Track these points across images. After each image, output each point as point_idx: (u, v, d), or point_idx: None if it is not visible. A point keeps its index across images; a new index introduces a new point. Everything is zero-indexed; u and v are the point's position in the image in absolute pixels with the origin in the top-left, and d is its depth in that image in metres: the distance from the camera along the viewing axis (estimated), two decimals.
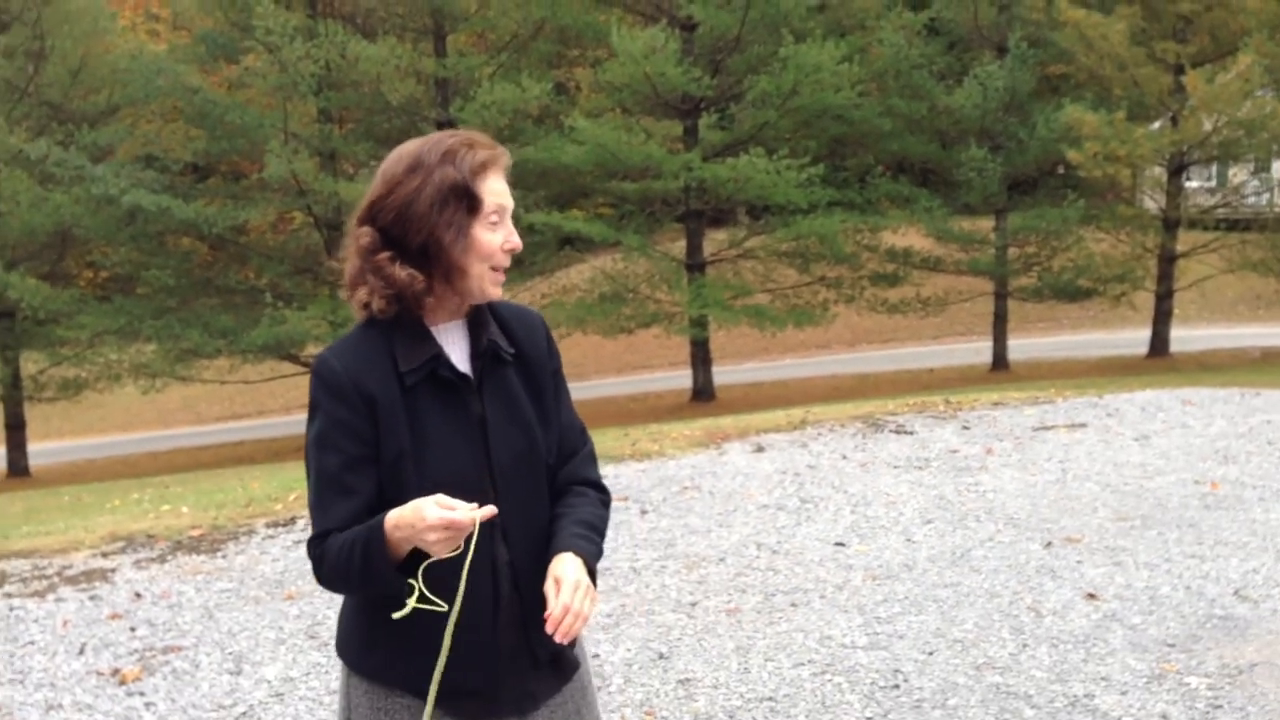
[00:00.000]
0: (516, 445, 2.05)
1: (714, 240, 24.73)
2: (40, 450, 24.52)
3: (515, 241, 2.03)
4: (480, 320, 2.07)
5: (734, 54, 21.65)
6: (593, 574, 2.02)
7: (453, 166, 1.98)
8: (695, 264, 22.44)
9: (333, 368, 1.98)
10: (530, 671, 2.09)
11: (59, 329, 21.71)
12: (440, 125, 21.98)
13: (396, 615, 1.91)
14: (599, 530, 2.13)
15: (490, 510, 1.87)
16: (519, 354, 2.10)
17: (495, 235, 2.01)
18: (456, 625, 1.92)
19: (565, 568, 1.98)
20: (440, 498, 1.85)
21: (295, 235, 27.12)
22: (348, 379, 1.97)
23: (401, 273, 1.97)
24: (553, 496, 2.14)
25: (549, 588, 1.96)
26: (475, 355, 2.06)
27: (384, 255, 1.99)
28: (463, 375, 2.03)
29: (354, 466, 1.97)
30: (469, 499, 1.90)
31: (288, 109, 21.83)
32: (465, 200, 1.98)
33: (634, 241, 21.46)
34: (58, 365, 23.05)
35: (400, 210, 1.99)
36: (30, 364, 23.20)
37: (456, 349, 2.05)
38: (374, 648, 2.06)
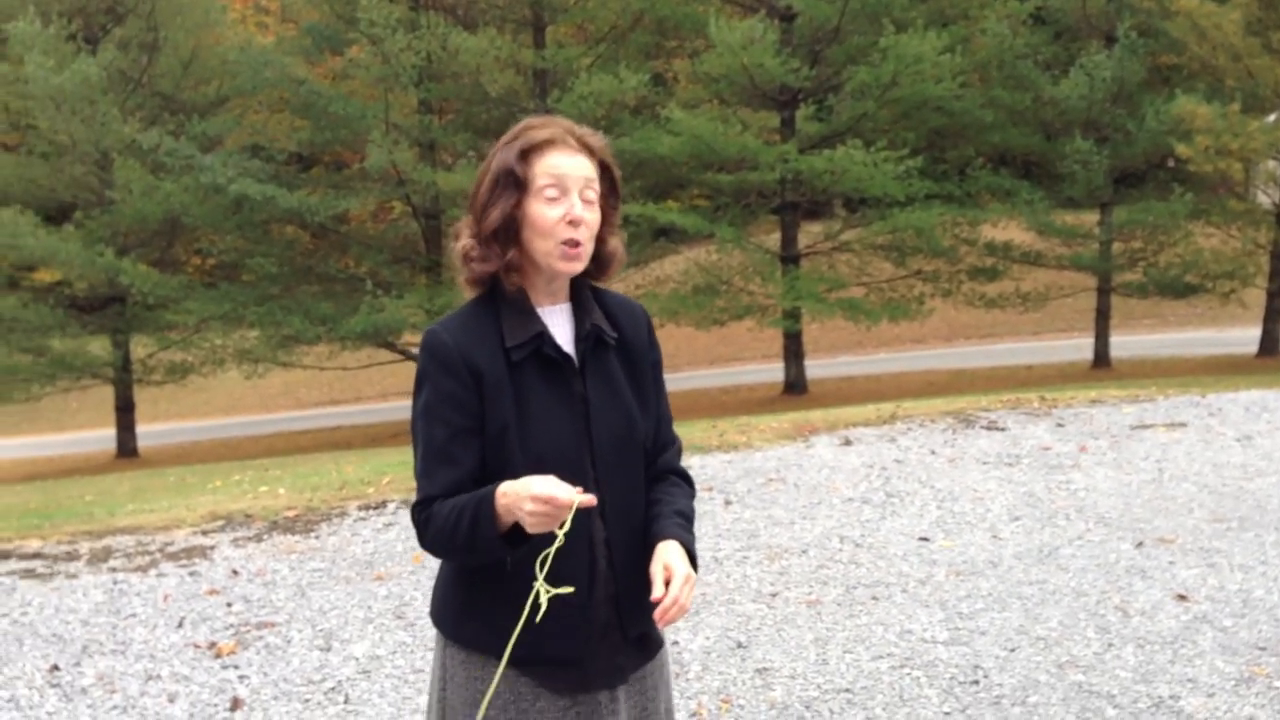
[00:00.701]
0: (616, 427, 2.12)
1: (809, 232, 24.58)
2: (147, 432, 25.32)
3: (575, 213, 2.06)
4: (584, 305, 2.15)
5: (833, 44, 21.46)
6: (693, 562, 2.10)
7: (507, 149, 2.09)
8: (790, 256, 22.34)
9: (443, 341, 2.07)
10: (621, 646, 2.15)
11: (167, 314, 22.36)
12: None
13: (531, 603, 2.00)
14: (692, 522, 2.21)
15: (591, 499, 1.93)
16: (621, 340, 2.17)
17: (553, 209, 2.06)
18: (544, 602, 1.99)
19: (674, 558, 2.06)
20: (550, 478, 1.92)
21: (394, 225, 27.62)
22: (457, 353, 2.06)
23: (461, 243, 2.12)
24: (647, 482, 2.20)
25: (657, 571, 2.03)
26: (579, 338, 2.13)
27: (464, 231, 2.13)
28: (565, 355, 2.10)
29: (458, 438, 2.06)
30: (569, 475, 1.98)
31: (389, 100, 22.19)
32: (511, 179, 2.07)
33: (728, 233, 21.41)
34: (166, 349, 23.73)
35: (474, 193, 2.12)
36: (139, 348, 23.92)
37: (560, 331, 2.13)
38: (470, 618, 2.13)
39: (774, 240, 23.60)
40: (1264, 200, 23.48)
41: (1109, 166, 22.02)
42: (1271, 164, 22.09)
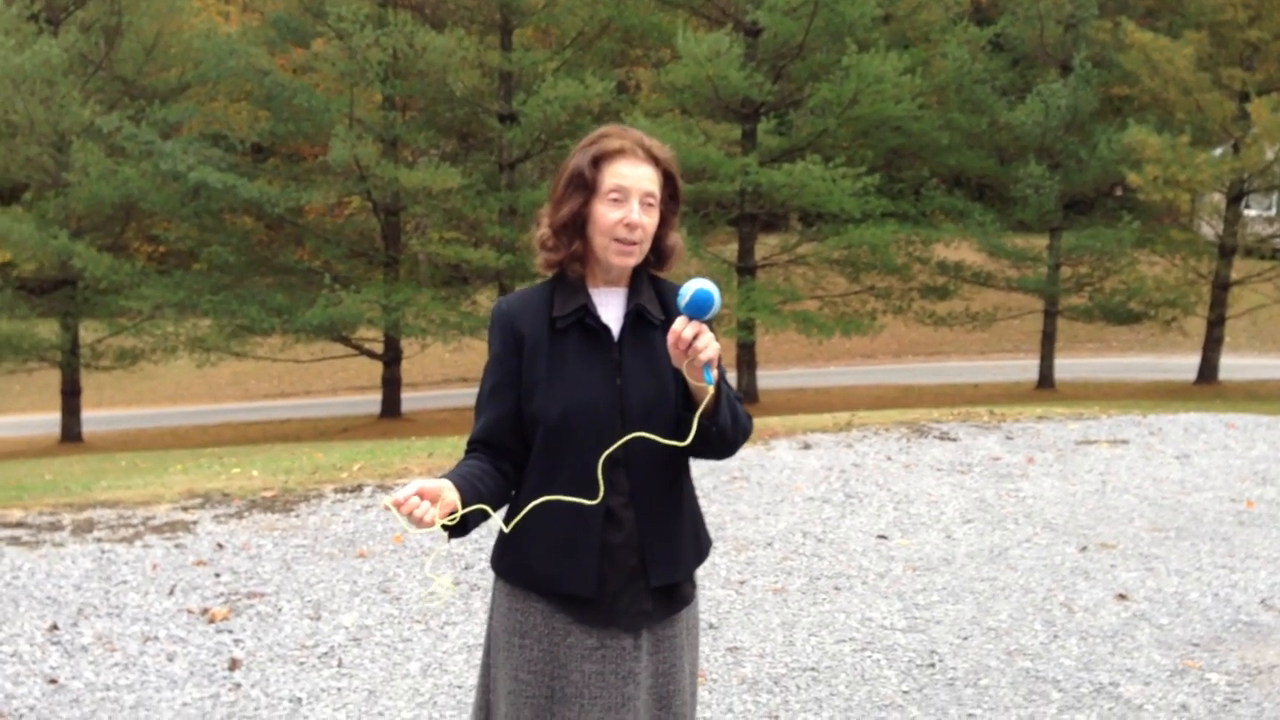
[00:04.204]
0: (648, 392, 2.40)
1: (766, 245, 24.95)
2: (91, 418, 25.09)
3: (632, 219, 2.36)
4: (637, 289, 2.45)
5: (797, 60, 21.86)
6: (719, 392, 2.35)
7: (583, 153, 2.41)
8: (746, 267, 22.68)
9: (500, 308, 2.44)
10: (645, 596, 2.42)
11: (120, 299, 22.14)
12: (502, 118, 22.39)
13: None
14: (735, 400, 2.45)
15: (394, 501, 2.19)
16: (669, 322, 2.43)
17: (614, 212, 2.36)
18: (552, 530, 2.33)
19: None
20: (420, 485, 2.21)
21: (351, 219, 27.60)
22: (507, 319, 2.42)
23: (540, 231, 2.44)
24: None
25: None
26: (626, 315, 2.44)
27: (543, 220, 2.45)
28: (604, 326, 2.41)
29: (497, 390, 2.42)
30: (597, 427, 2.33)
31: (354, 95, 22.24)
32: (582, 181, 2.38)
33: (685, 242, 21.63)
34: (116, 335, 23.56)
35: (553, 187, 2.45)
36: (89, 333, 23.72)
37: (612, 310, 2.43)
38: (506, 550, 2.45)
39: (731, 251, 23.94)
40: (1207, 231, 24.21)
41: (1060, 192, 22.61)
42: (1216, 196, 22.81)
